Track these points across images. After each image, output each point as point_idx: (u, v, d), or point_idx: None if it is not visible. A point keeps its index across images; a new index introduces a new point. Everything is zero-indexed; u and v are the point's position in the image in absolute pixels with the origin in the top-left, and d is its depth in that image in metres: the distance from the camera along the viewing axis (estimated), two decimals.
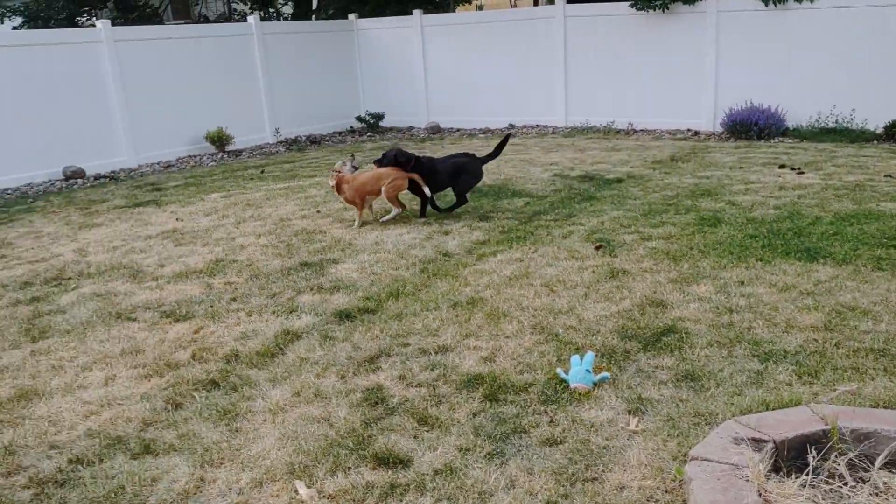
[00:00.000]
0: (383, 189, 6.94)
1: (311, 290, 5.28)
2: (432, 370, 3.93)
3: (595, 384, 3.63)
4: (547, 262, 5.58)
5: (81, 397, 3.83)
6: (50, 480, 3.10)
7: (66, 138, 11.62)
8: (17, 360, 4.34)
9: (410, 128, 15.77)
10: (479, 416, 3.44)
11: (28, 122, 11.17)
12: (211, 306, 5.05)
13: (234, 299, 5.17)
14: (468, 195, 7.38)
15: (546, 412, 3.44)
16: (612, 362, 3.89)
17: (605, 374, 3.70)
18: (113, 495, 2.99)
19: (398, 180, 6.98)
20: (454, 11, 18.35)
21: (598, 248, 5.83)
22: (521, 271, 5.41)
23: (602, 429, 3.28)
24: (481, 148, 12.18)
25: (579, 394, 3.56)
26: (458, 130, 15.05)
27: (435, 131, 15.02)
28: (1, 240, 7.57)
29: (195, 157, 13.22)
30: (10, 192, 10.80)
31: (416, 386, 3.78)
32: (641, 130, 12.99)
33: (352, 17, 16.06)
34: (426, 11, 15.73)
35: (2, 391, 3.94)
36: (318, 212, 7.76)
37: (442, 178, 7.22)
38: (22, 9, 17.11)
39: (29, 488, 3.06)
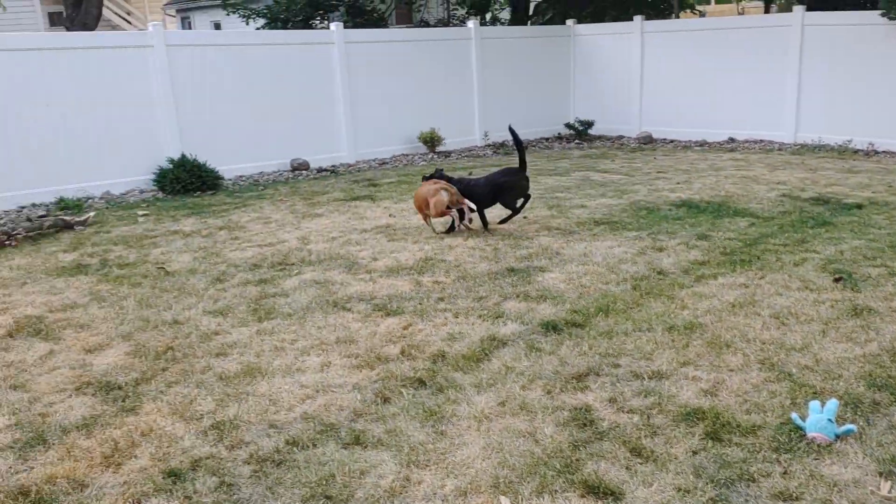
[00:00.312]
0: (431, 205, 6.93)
1: (518, 297, 5.19)
2: (646, 397, 3.67)
3: (838, 436, 3.19)
4: (776, 291, 5.08)
5: (299, 380, 3.99)
6: (268, 459, 3.24)
7: (296, 132, 12.50)
8: (245, 337, 4.64)
9: (620, 137, 15.32)
10: (700, 454, 3.15)
11: (264, 115, 12.14)
12: (420, 304, 5.11)
13: (441, 299, 5.21)
14: (519, 205, 7.28)
15: (778, 461, 3.07)
16: (858, 414, 3.42)
17: (850, 426, 3.25)
18: (324, 482, 3.06)
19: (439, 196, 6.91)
20: (677, 18, 17.54)
21: (837, 280, 5.22)
22: (745, 298, 4.96)
23: (847, 490, 2.87)
24: (696, 161, 11.54)
25: (818, 445, 3.15)
26: (672, 142, 14.39)
27: (646, 141, 14.47)
28: (235, 223, 8.24)
29: (408, 155, 13.71)
30: (244, 178, 11.80)
31: (627, 412, 3.54)
32: (884, 152, 11.64)
33: (569, 22, 15.88)
34: (647, 18, 15.18)
35: (230, 366, 4.21)
36: (525, 217, 7.68)
37: (479, 199, 7.12)
38: (265, 11, 18.70)
39: (249, 464, 3.21)
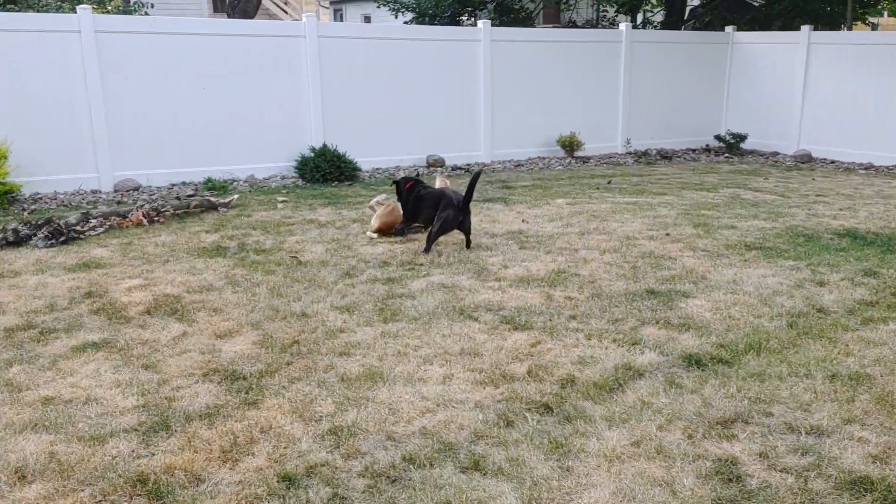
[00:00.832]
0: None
1: (657, 323, 4.81)
2: (803, 455, 3.25)
3: None
4: None
5: (420, 391, 3.84)
6: (383, 475, 3.09)
7: (434, 128, 12.49)
8: (369, 338, 4.55)
9: (775, 153, 14.34)
10: None
11: (404, 110, 12.20)
12: (550, 320, 4.85)
13: (573, 317, 4.92)
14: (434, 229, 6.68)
15: None
16: None
17: None
18: None
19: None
20: (848, 30, 16.21)
21: None
22: None
23: None
24: (861, 186, 10.56)
25: None
26: (833, 162, 13.30)
27: (804, 160, 13.45)
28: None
29: (544, 159, 13.40)
30: (380, 171, 11.90)
31: (780, 471, 3.14)
32: None
33: (729, 29, 15.01)
34: (815, 29, 14.08)
35: (353, 367, 4.12)
36: (668, 234, 7.22)
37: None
38: (414, 6, 18.88)
39: (363, 477, 3.08)
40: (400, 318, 4.90)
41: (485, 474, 3.11)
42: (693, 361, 4.21)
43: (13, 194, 9.40)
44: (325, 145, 11.23)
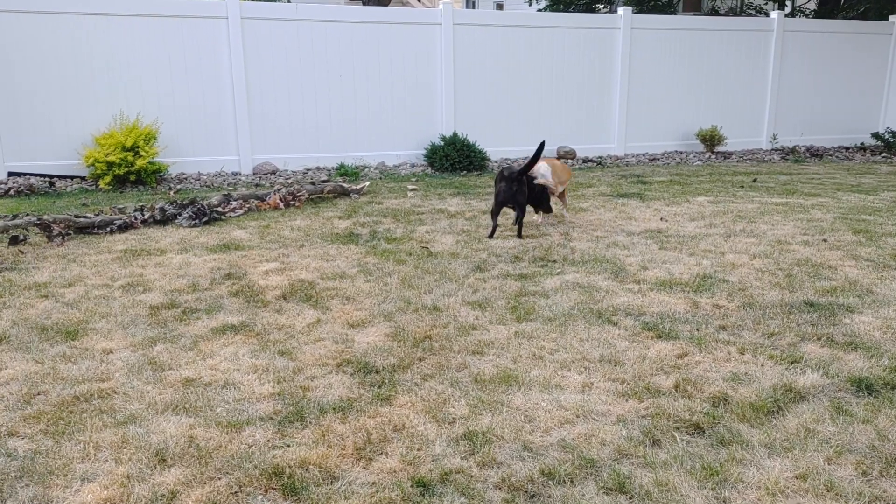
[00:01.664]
0: None
1: (819, 339, 4.37)
2: None
3: None
4: None
5: (558, 399, 3.63)
6: (521, 489, 2.91)
7: (565, 118, 12.16)
8: (502, 337, 4.37)
9: None
10: None
11: (534, 99, 11.92)
12: (697, 329, 4.50)
13: (723, 328, 4.55)
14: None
15: None
16: None
17: None
18: None
19: None
20: None
21: None
22: None
23: None
24: None
25: None
26: None
27: None
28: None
29: (681, 153, 12.79)
30: (509, 161, 11.69)
31: None
32: None
33: (893, 18, 13.75)
34: None
35: (486, 367, 3.96)
36: (825, 241, 6.63)
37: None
38: None
39: (500, 489, 2.91)
40: (534, 317, 4.70)
41: (631, 498, 2.87)
42: (863, 386, 3.77)
43: (161, 173, 9.89)
44: (454, 134, 11.15)
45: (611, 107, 12.39)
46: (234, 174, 10.52)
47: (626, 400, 3.64)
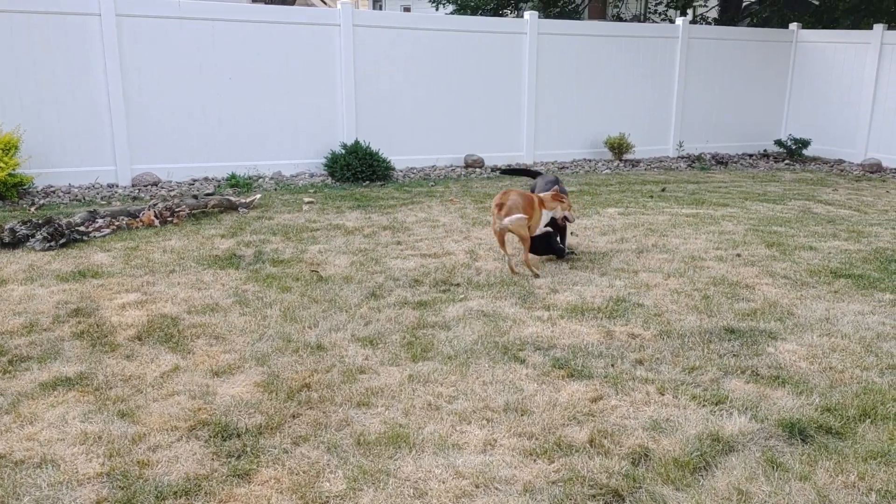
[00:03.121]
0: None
1: (744, 373, 3.97)
2: None
3: None
4: None
5: (455, 463, 3.05)
6: None
7: (473, 126, 11.69)
8: (394, 382, 3.77)
9: (840, 161, 13.28)
10: None
11: (442, 106, 11.41)
12: (612, 365, 4.03)
13: (640, 361, 4.09)
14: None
15: None
16: None
17: None
18: None
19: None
20: None
21: None
22: None
23: None
24: None
25: None
26: None
27: (874, 170, 12.37)
28: (400, 223, 7.50)
29: (590, 161, 12.54)
30: (415, 171, 11.14)
31: None
32: None
33: (793, 26, 13.95)
34: (890, 28, 12.97)
35: (373, 424, 3.35)
36: (739, 256, 6.34)
37: None
38: None
39: None
40: (432, 355, 4.12)
41: None
42: (795, 431, 3.36)
43: (24, 186, 8.83)
44: (357, 142, 10.49)
45: (519, 114, 12.00)
46: (111, 186, 9.53)
47: (535, 460, 3.10)
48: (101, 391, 3.60)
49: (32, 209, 8.09)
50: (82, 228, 6.66)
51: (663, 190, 9.95)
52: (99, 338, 4.27)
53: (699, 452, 3.16)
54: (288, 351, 4.14)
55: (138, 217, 7.19)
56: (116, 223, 7.02)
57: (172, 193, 9.19)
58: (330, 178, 10.37)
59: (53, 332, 4.36)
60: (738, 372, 3.98)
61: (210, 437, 3.20)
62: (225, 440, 3.18)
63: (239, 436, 3.22)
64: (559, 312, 4.82)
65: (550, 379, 3.84)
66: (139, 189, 9.46)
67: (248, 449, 3.10)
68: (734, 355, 4.19)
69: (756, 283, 5.55)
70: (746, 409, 3.56)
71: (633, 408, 3.56)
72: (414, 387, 3.72)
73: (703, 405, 3.59)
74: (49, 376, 3.75)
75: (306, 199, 8.72)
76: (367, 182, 10.14)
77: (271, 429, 3.28)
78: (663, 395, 3.70)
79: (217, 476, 2.91)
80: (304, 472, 2.96)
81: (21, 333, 4.33)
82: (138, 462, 2.99)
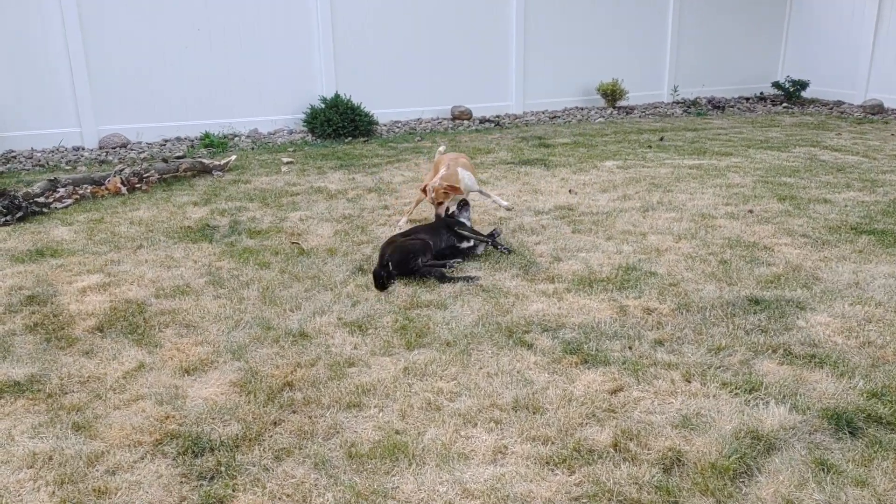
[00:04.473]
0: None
1: (775, 352, 3.57)
2: None
3: None
4: None
5: (462, 478, 2.65)
6: None
7: (460, 76, 11.11)
8: (388, 376, 3.35)
9: (839, 102, 12.83)
10: None
11: (427, 55, 10.81)
12: (630, 348, 3.62)
13: (660, 342, 3.68)
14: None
15: None
16: None
17: None
18: None
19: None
20: None
21: None
22: None
23: None
24: None
25: None
26: None
27: (875, 111, 11.93)
28: (386, 183, 7.02)
29: (582, 109, 12.01)
30: (399, 125, 10.61)
31: None
32: None
33: None
34: None
35: (366, 431, 2.93)
36: (751, 212, 5.92)
37: None
38: None
39: None
40: (428, 340, 3.70)
41: None
42: (842, 423, 2.98)
43: None
44: (337, 95, 9.91)
45: (507, 61, 11.41)
46: (76, 149, 8.94)
47: (553, 470, 2.71)
48: (54, 398, 3.16)
49: None
50: (42, 199, 6.13)
51: (661, 139, 9.48)
52: (55, 330, 3.81)
53: (738, 454, 2.78)
54: (267, 340, 3.70)
55: (103, 185, 6.66)
56: (80, 192, 6.49)
57: (143, 156, 8.62)
58: (310, 135, 9.81)
59: (4, 324, 3.90)
60: (770, 351, 3.59)
61: (179, 453, 2.78)
62: (196, 457, 2.76)
63: (213, 450, 2.79)
64: (565, 285, 4.40)
65: (562, 367, 3.43)
66: (107, 151, 8.88)
67: (223, 468, 2.68)
68: (762, 331, 3.79)
69: (774, 243, 5.14)
70: (784, 396, 3.17)
71: (658, 400, 3.16)
72: (410, 381, 3.30)
73: (736, 394, 3.20)
74: None
75: (285, 160, 8.18)
76: (350, 138, 9.59)
77: (249, 440, 2.86)
78: (690, 382, 3.31)
79: None
80: (287, 497, 2.55)
81: None
82: (94, 490, 2.56)
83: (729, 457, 2.76)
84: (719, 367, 3.43)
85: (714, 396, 3.19)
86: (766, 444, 2.86)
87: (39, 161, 8.38)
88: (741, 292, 4.27)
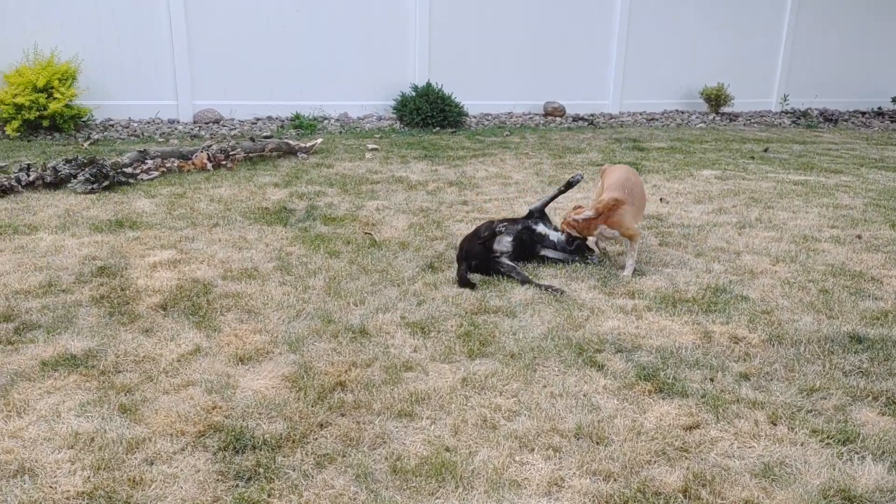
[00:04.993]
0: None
1: (876, 400, 3.19)
2: None
3: None
4: None
5: None
6: None
7: (554, 71, 10.80)
8: (445, 386, 3.16)
9: None
10: None
11: (522, 48, 10.54)
12: (711, 379, 3.31)
13: (745, 376, 3.35)
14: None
15: None
16: None
17: None
18: None
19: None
20: None
21: None
22: None
23: None
24: None
25: None
26: None
27: None
28: (469, 178, 6.83)
29: (682, 113, 11.49)
30: (489, 118, 10.39)
31: None
32: None
33: None
34: None
35: (414, 445, 2.75)
36: (860, 237, 5.43)
37: None
38: None
39: None
40: (492, 350, 3.49)
41: None
42: None
43: (82, 119, 8.52)
44: (428, 84, 9.78)
45: (607, 58, 11.01)
46: (171, 122, 9.14)
47: None
48: (106, 376, 3.12)
49: (86, 144, 7.75)
50: (129, 170, 6.24)
51: (766, 150, 8.93)
52: (120, 305, 3.80)
53: None
54: (326, 335, 3.57)
55: (190, 159, 6.73)
56: (167, 165, 6.57)
57: (233, 133, 8.73)
58: (398, 123, 9.73)
59: (72, 294, 3.92)
60: (870, 398, 3.21)
61: (220, 448, 2.67)
62: (237, 454, 2.65)
63: (254, 448, 2.68)
64: (646, 302, 4.10)
65: (634, 394, 3.16)
66: (200, 126, 9.04)
67: (262, 469, 2.56)
68: (863, 374, 3.41)
69: (884, 275, 4.68)
70: (884, 453, 2.81)
71: (737, 442, 2.86)
72: (467, 394, 3.11)
73: (828, 444, 2.86)
74: (54, 352, 3.29)
75: (370, 146, 8.11)
76: (438, 128, 9.45)
77: (293, 442, 2.73)
78: (776, 425, 2.98)
79: None
80: None
81: (37, 294, 3.90)
82: (129, 480, 2.48)
83: None
84: (811, 411, 3.08)
85: (802, 444, 2.86)
86: None
87: (135, 131, 8.59)
88: (842, 327, 3.87)
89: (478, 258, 4.40)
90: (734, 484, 2.61)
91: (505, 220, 4.70)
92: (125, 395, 2.98)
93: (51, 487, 2.43)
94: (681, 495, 2.54)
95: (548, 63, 10.70)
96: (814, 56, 12.11)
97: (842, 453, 2.81)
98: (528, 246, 4.63)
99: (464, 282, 4.24)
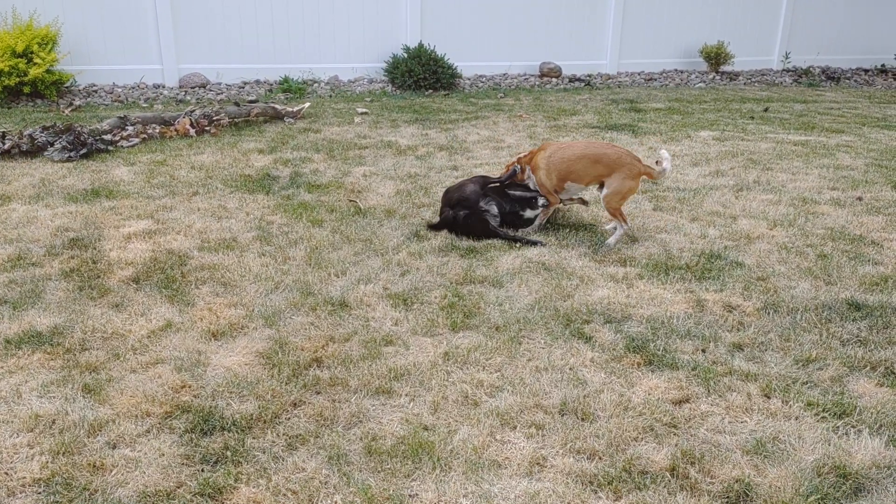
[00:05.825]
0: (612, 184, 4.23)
1: (874, 370, 3.07)
2: None
3: None
4: None
5: (490, 491, 2.33)
6: None
7: (550, 30, 10.52)
8: (426, 360, 3.04)
9: None
10: None
11: (517, 6, 10.24)
12: (703, 350, 3.19)
13: (738, 346, 3.23)
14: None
15: None
16: None
17: None
18: None
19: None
20: None
21: None
22: None
23: None
24: None
25: None
26: None
27: None
28: (460, 142, 6.65)
29: (682, 72, 11.23)
30: (483, 79, 10.17)
31: None
32: None
33: None
34: None
35: (390, 424, 2.63)
36: (860, 199, 5.28)
37: None
38: None
39: None
40: (476, 322, 3.36)
41: None
42: None
43: (64, 84, 8.30)
44: (421, 45, 9.52)
45: (604, 16, 10.72)
46: (157, 87, 8.91)
47: (596, 492, 2.35)
48: (71, 354, 2.99)
49: (67, 111, 7.55)
50: (108, 137, 6.06)
51: (766, 110, 8.71)
52: (90, 278, 3.66)
53: (819, 494, 2.35)
54: (304, 308, 3.44)
55: (173, 125, 6.54)
56: (148, 132, 6.39)
57: (220, 97, 8.52)
58: (390, 85, 9.50)
59: (41, 267, 3.78)
60: (868, 368, 3.09)
61: (187, 429, 2.56)
62: (204, 435, 2.53)
63: (223, 430, 2.56)
64: (637, 270, 3.96)
65: (622, 367, 3.03)
66: (186, 91, 8.82)
67: (230, 452, 2.45)
68: (861, 343, 3.28)
69: (884, 238, 4.53)
70: (881, 426, 2.70)
71: (729, 417, 2.74)
72: (449, 369, 2.98)
73: (823, 417, 2.74)
74: (19, 329, 3.16)
75: (360, 110, 7.90)
76: (430, 91, 9.23)
77: (264, 422, 2.61)
78: (769, 398, 2.86)
79: (181, 494, 2.26)
80: (292, 494, 2.29)
81: (5, 268, 3.76)
82: (89, 465, 2.37)
83: (807, 496, 2.34)
84: (806, 383, 2.96)
85: (796, 418, 2.74)
86: (853, 483, 2.41)
87: (119, 97, 8.38)
88: (840, 294, 3.74)
89: (466, 206, 4.27)
90: (724, 461, 2.50)
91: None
92: (90, 374, 2.86)
93: (6, 474, 2.32)
94: (668, 474, 2.43)
95: (543, 23, 10.43)
96: (816, 12, 11.80)
97: (837, 427, 2.69)
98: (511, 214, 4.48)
99: (448, 223, 4.30)
